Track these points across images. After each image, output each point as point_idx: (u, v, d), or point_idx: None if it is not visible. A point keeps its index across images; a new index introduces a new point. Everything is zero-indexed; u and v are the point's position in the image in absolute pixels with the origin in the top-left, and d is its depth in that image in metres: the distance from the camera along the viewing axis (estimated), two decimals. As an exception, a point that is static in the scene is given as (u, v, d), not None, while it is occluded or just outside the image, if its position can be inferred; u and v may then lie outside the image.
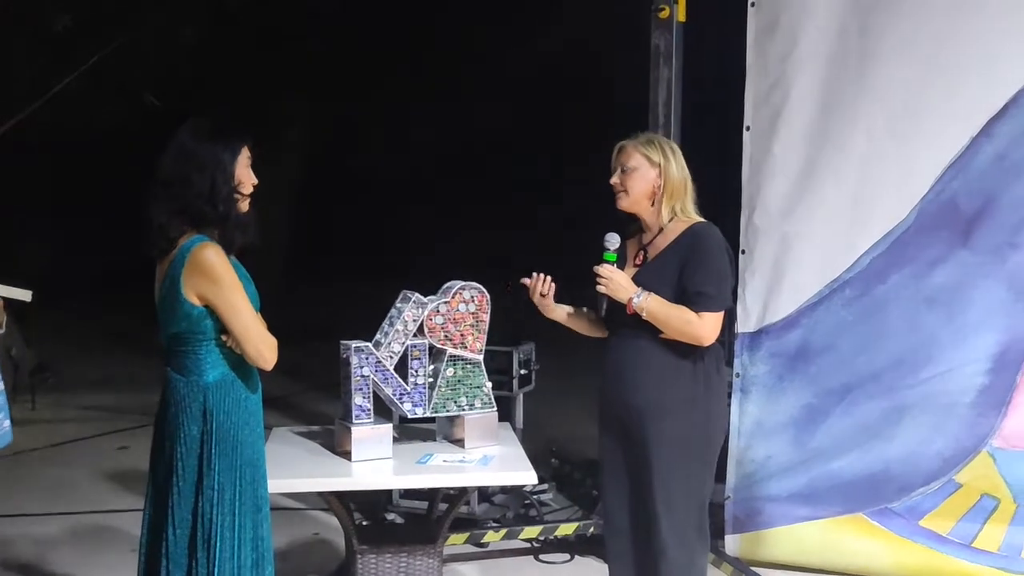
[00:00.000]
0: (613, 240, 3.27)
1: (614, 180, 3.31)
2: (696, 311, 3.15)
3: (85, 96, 8.87)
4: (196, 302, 2.65)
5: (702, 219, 3.30)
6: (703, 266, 3.18)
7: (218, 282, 2.65)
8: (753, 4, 4.31)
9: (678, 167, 3.29)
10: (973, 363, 4.01)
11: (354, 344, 3.36)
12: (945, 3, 3.95)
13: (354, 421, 3.35)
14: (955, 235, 3.98)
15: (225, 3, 9.08)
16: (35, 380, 8.20)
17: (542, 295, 3.38)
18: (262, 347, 2.70)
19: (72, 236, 13.24)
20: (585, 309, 3.51)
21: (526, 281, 3.38)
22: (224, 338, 2.70)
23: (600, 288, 3.23)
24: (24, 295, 2.88)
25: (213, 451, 2.67)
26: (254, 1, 9.33)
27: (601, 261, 3.25)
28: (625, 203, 3.30)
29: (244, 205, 2.78)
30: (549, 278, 3.37)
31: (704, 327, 3.16)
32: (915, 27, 3.99)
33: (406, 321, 3.41)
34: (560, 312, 3.48)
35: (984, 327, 3.99)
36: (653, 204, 3.29)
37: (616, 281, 3.21)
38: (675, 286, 3.19)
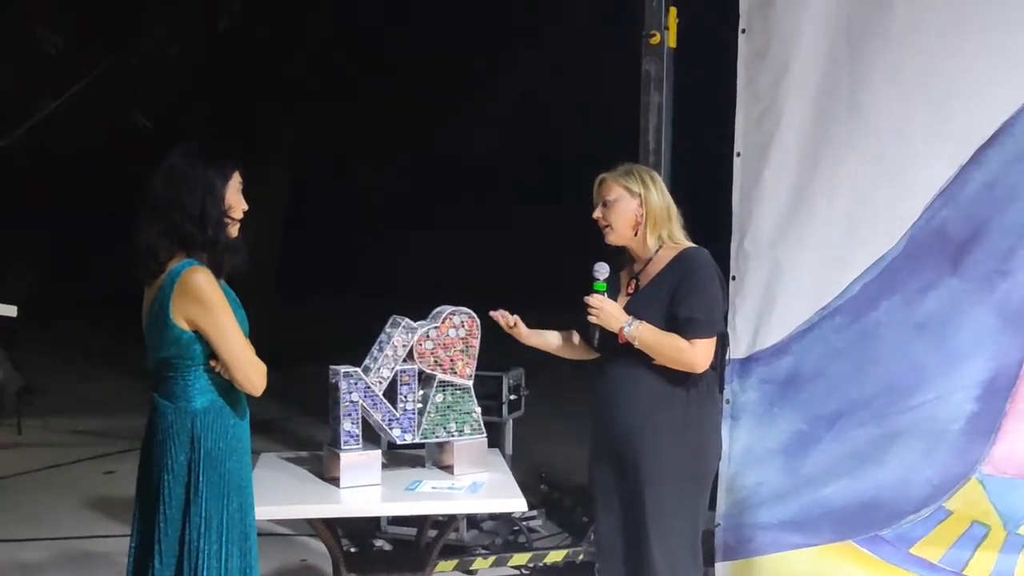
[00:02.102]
0: (602, 270, 3.27)
1: (597, 214, 3.34)
2: (687, 338, 3.15)
3: (75, 117, 8.87)
4: (185, 327, 2.64)
5: (691, 244, 3.31)
6: (693, 292, 3.18)
7: (207, 307, 2.63)
8: (744, 30, 4.32)
9: (659, 194, 3.31)
10: (962, 390, 4.00)
11: (343, 369, 3.34)
12: (934, 31, 3.97)
13: (342, 447, 3.33)
14: (945, 262, 3.98)
15: (215, 24, 9.10)
16: (21, 403, 8.14)
17: (510, 327, 3.49)
18: (251, 373, 2.68)
19: (60, 258, 13.19)
20: (575, 335, 3.51)
21: (494, 315, 3.50)
22: (213, 363, 2.68)
23: (591, 318, 3.24)
24: (9, 311, 2.87)
25: (200, 479, 2.65)
26: (244, 22, 9.34)
27: (591, 291, 3.25)
28: (613, 238, 3.33)
29: (234, 230, 2.78)
30: (507, 313, 3.49)
31: (696, 354, 3.16)
32: (904, 54, 4.01)
33: (395, 346, 3.40)
34: (538, 339, 3.56)
35: (973, 354, 3.98)
36: (637, 234, 3.30)
37: (607, 311, 3.21)
38: (667, 313, 3.19)
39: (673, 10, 4.52)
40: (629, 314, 3.21)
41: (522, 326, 3.51)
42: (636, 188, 3.29)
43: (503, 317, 3.50)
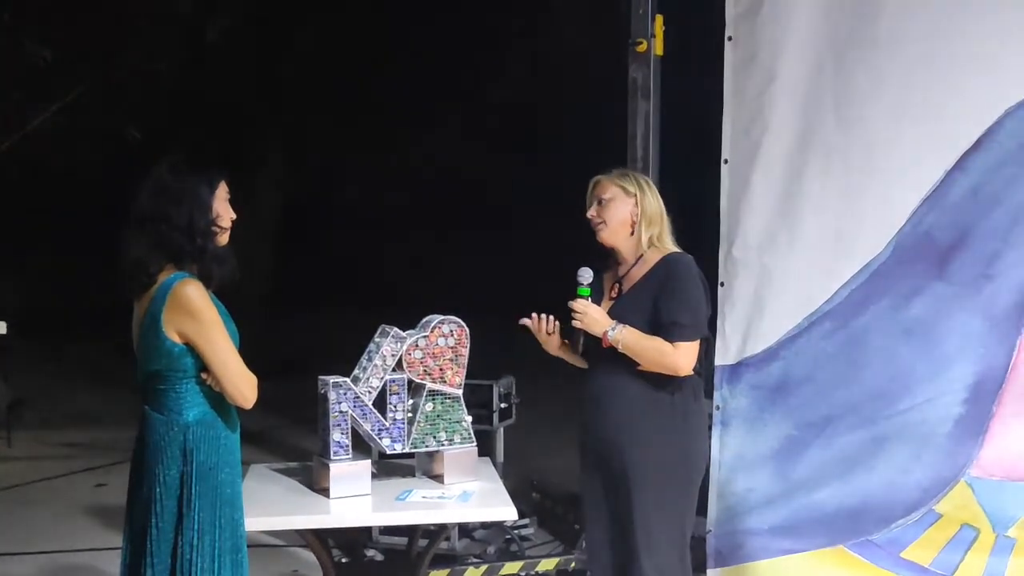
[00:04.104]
0: (586, 275, 3.29)
1: (591, 213, 3.35)
2: (671, 341, 3.16)
3: (66, 130, 8.87)
4: (177, 339, 2.64)
5: (676, 249, 3.33)
6: (677, 296, 3.20)
7: (199, 319, 2.64)
8: (730, 38, 4.34)
9: (653, 197, 3.35)
10: (950, 393, 4.02)
11: (332, 379, 3.34)
12: (918, 39, 3.99)
13: (332, 457, 3.32)
14: (931, 267, 4.01)
15: (204, 36, 9.12)
16: (11, 416, 8.11)
17: (548, 333, 3.41)
18: (242, 385, 2.69)
19: (49, 270, 13.16)
20: (567, 341, 3.52)
21: (525, 322, 3.43)
22: (204, 376, 2.68)
23: (575, 323, 3.25)
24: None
25: (193, 492, 2.65)
26: (233, 35, 9.35)
27: (575, 296, 3.27)
28: (605, 234, 3.34)
29: (223, 238, 2.78)
30: (551, 317, 3.40)
31: (680, 357, 3.17)
32: (889, 62, 4.03)
33: (384, 356, 3.40)
34: (563, 349, 3.51)
35: (960, 358, 4.00)
36: (633, 234, 3.32)
37: (590, 315, 3.23)
38: (650, 317, 3.21)
39: (660, 18, 4.53)
40: (613, 318, 3.23)
41: (557, 335, 3.43)
42: (632, 189, 3.32)
43: (539, 322, 3.40)
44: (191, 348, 2.66)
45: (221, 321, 2.69)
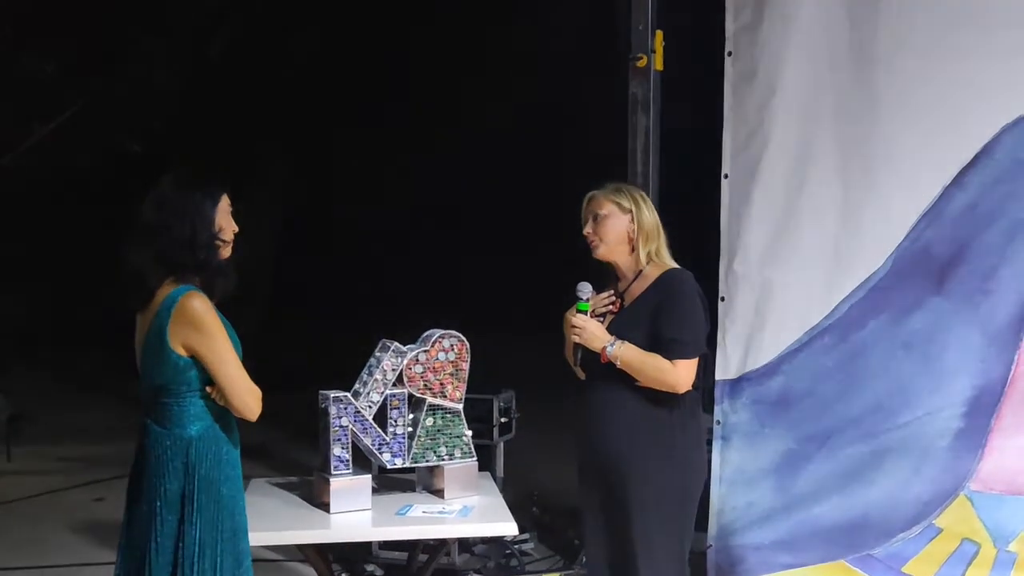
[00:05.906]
0: (585, 290, 3.28)
1: (587, 230, 3.34)
2: (670, 359, 3.16)
3: (66, 143, 8.89)
4: (182, 352, 2.64)
5: (676, 265, 3.33)
6: (676, 313, 3.20)
7: (206, 332, 2.64)
8: (730, 53, 4.36)
9: (649, 212, 3.34)
10: (949, 407, 4.03)
11: (332, 394, 3.34)
12: (917, 56, 4.02)
13: (333, 472, 3.33)
14: (929, 282, 4.03)
15: (207, 51, 9.15)
16: (10, 430, 8.10)
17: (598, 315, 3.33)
18: (248, 398, 2.69)
19: (50, 283, 13.16)
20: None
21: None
22: (209, 390, 2.67)
23: (574, 338, 3.25)
24: None
25: (195, 506, 2.64)
26: (235, 49, 9.39)
27: (574, 312, 3.27)
28: (602, 251, 3.33)
29: (225, 252, 2.78)
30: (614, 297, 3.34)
31: (678, 375, 3.17)
32: (888, 78, 4.06)
33: (385, 370, 3.40)
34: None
35: (959, 372, 4.02)
36: (633, 250, 3.31)
37: (590, 331, 3.22)
38: (649, 333, 3.20)
39: (659, 33, 4.55)
40: (612, 333, 3.23)
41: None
42: (627, 204, 3.31)
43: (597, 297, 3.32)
44: (196, 361, 2.65)
45: (227, 334, 2.69)
